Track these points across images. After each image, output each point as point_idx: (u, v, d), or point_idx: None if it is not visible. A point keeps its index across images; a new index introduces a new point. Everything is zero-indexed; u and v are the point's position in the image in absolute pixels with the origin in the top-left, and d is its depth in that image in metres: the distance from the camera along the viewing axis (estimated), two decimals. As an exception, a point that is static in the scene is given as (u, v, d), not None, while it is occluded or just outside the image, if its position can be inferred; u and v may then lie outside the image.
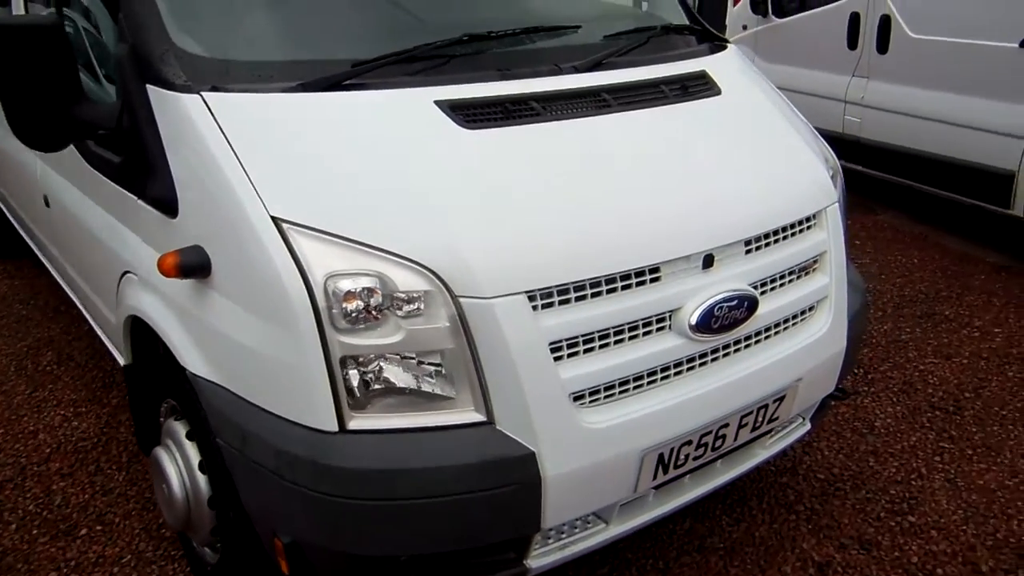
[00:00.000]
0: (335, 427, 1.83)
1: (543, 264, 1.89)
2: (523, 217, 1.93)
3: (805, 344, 2.36)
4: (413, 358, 1.87)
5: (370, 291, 1.82)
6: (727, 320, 2.11)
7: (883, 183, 6.02)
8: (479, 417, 1.89)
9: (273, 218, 1.84)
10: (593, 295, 1.95)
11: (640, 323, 2.03)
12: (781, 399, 2.35)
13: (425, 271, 1.83)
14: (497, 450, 1.87)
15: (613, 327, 1.99)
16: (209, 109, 1.98)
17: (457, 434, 1.87)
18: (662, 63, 2.55)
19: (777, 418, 2.39)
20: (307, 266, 1.81)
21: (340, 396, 1.83)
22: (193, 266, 1.98)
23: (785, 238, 2.32)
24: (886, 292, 4.80)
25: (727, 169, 2.28)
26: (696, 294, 2.09)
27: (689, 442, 2.15)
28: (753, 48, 6.82)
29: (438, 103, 2.06)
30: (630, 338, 2.02)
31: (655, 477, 2.13)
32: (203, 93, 2.00)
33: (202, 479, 2.25)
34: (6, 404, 3.66)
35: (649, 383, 2.08)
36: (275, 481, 1.90)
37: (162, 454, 2.36)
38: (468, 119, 2.05)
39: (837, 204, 2.49)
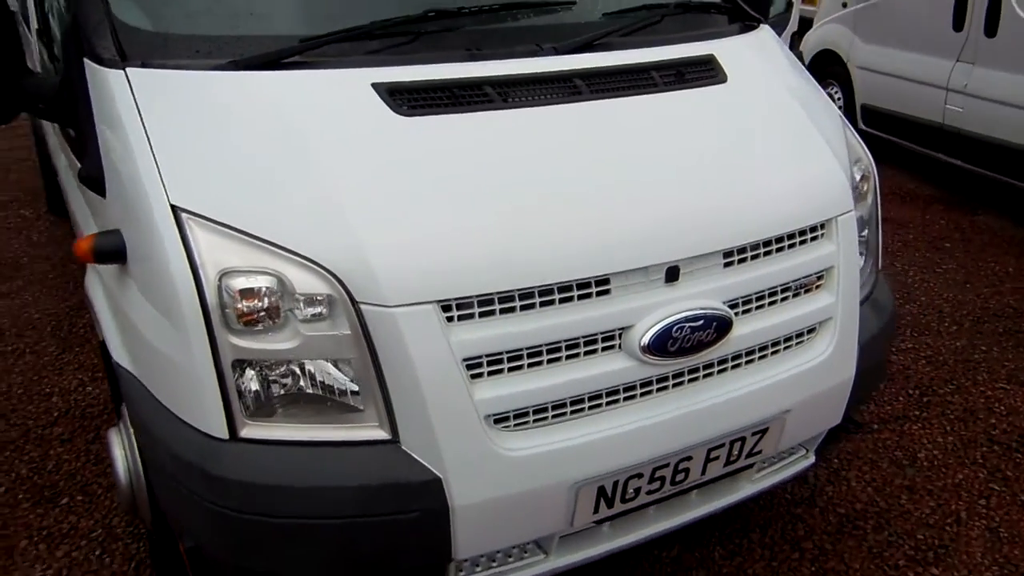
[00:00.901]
0: (225, 434, 1.70)
1: (462, 271, 1.69)
2: (445, 218, 1.72)
3: (797, 371, 2.07)
4: (313, 366, 1.71)
5: (267, 291, 1.66)
6: (689, 343, 1.85)
7: (985, 180, 5.44)
8: (383, 435, 1.71)
9: (173, 206, 1.71)
10: (523, 308, 1.74)
11: (581, 341, 1.80)
12: (763, 432, 2.07)
13: (325, 273, 1.66)
14: (398, 473, 1.70)
15: (546, 344, 1.77)
16: (130, 86, 1.86)
17: (356, 452, 1.71)
18: (663, 45, 2.26)
19: (759, 452, 2.11)
20: (200, 261, 1.67)
21: (232, 401, 1.69)
22: (106, 251, 1.87)
23: (779, 250, 2.03)
24: (967, 303, 4.32)
25: (712, 169, 2.00)
26: (653, 311, 1.83)
27: (639, 475, 1.92)
28: (852, 28, 6.27)
29: (376, 86, 1.87)
30: (568, 357, 1.80)
31: (596, 511, 1.91)
32: (128, 69, 1.88)
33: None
34: (33, 364, 3.74)
35: (592, 408, 1.85)
36: (174, 484, 1.79)
37: (112, 436, 2.29)
38: (405, 105, 1.85)
39: (852, 213, 2.16)
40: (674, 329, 1.83)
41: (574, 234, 1.78)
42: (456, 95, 1.90)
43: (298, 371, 1.71)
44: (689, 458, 1.97)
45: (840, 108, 6.50)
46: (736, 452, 2.05)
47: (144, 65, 1.88)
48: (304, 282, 1.66)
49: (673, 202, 1.90)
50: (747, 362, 2.03)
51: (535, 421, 1.80)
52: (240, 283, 1.66)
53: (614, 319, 1.81)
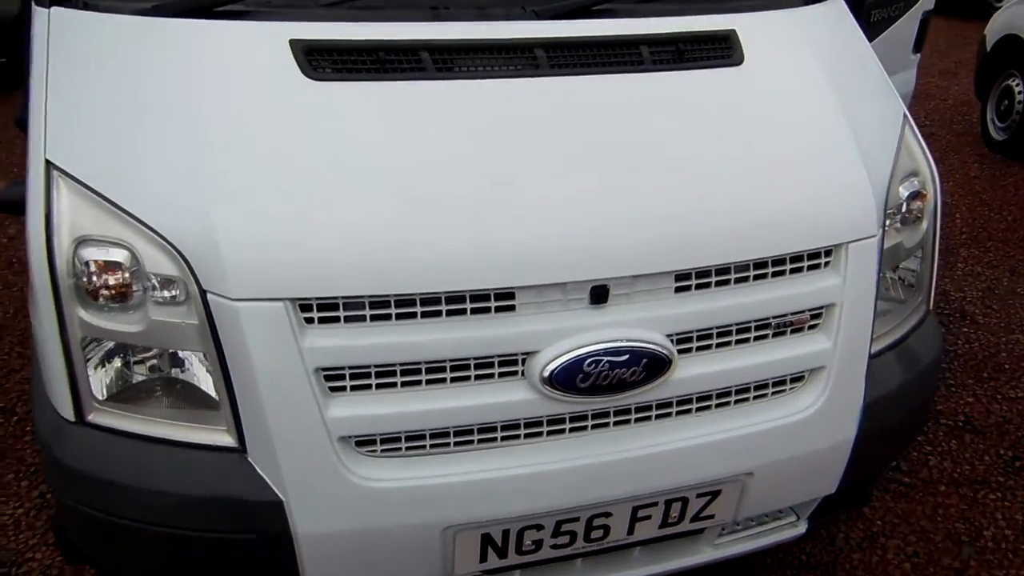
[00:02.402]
0: (71, 416, 1.56)
1: (327, 267, 1.45)
2: (319, 203, 1.48)
3: (766, 428, 1.70)
4: (175, 356, 1.53)
5: (119, 266, 1.50)
6: (607, 380, 1.53)
7: None
8: (231, 442, 1.52)
9: (47, 161, 1.57)
10: (400, 317, 1.48)
11: (472, 363, 1.52)
12: (713, 494, 1.71)
13: (175, 253, 1.47)
14: (237, 488, 1.50)
15: (427, 363, 1.50)
16: (48, 26, 1.73)
17: (200, 457, 1.52)
18: (674, 16, 1.89)
19: (710, 516, 1.75)
20: (57, 224, 1.52)
21: (79, 381, 1.55)
22: (7, 201, 1.77)
23: (757, 278, 1.65)
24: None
25: (681, 171, 1.64)
26: (566, 338, 1.52)
27: (538, 527, 1.63)
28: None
29: (293, 43, 1.64)
30: (455, 380, 1.53)
31: (484, 559, 1.64)
32: (53, 8, 1.75)
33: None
34: None
35: (483, 443, 1.57)
36: (43, 459, 1.69)
37: None
38: (318, 68, 1.62)
39: (872, 241, 1.73)
40: (587, 362, 1.51)
41: (475, 237, 1.49)
42: (382, 60, 1.64)
43: (155, 359, 1.55)
44: (608, 514, 1.66)
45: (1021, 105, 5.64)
46: (676, 514, 1.71)
47: (67, 4, 1.75)
48: (154, 260, 1.48)
49: (612, 207, 1.56)
50: (698, 410, 1.67)
51: (408, 450, 1.54)
52: (92, 253, 1.50)
53: (516, 342, 1.52)
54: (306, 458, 1.48)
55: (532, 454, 1.58)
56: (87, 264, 1.50)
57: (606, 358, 1.52)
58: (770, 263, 1.65)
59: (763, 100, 1.80)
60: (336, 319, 1.46)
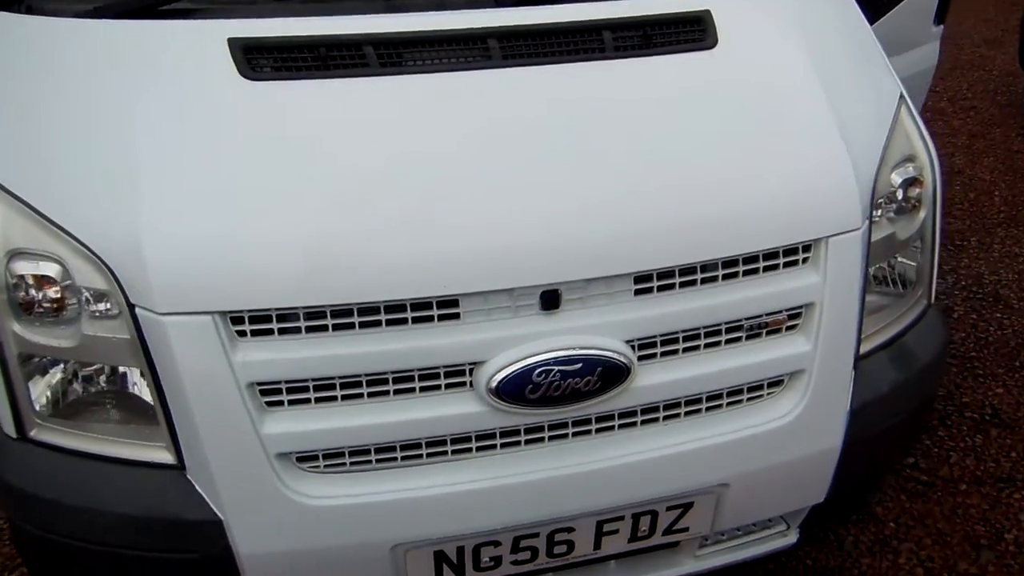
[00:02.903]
0: (13, 432, 1.53)
1: (258, 278, 1.38)
2: (248, 211, 1.41)
3: (742, 436, 1.59)
4: (113, 372, 1.49)
5: (50, 280, 1.45)
6: (559, 391, 1.44)
7: None
8: (169, 459, 1.47)
9: (-18, 178, 1.53)
10: (338, 328, 1.41)
11: (416, 375, 1.45)
12: (685, 507, 1.62)
13: (103, 266, 1.41)
14: (175, 507, 1.45)
15: (368, 374, 1.43)
16: None
17: (140, 475, 1.48)
18: None
19: (684, 529, 1.66)
20: None
21: (18, 397, 1.51)
22: None
23: (727, 277, 1.54)
24: None
25: (637, 164, 1.53)
26: (514, 346, 1.44)
27: (494, 543, 1.55)
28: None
29: (232, 41, 1.57)
30: (398, 393, 1.45)
31: (440, 577, 1.57)
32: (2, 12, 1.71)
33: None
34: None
35: (432, 457, 1.50)
36: None
37: None
38: (256, 67, 1.54)
39: (856, 234, 1.61)
40: (536, 372, 1.42)
41: (413, 243, 1.41)
42: (323, 57, 1.56)
43: (93, 374, 1.50)
44: (570, 529, 1.57)
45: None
46: (646, 528, 1.62)
47: (7, 8, 1.71)
48: (84, 273, 1.43)
49: (562, 207, 1.46)
50: (666, 418, 1.57)
51: (353, 465, 1.48)
52: (23, 267, 1.46)
53: (461, 352, 1.44)
54: (243, 476, 1.42)
55: (485, 468, 1.50)
56: (21, 278, 1.46)
57: (557, 368, 1.43)
58: (741, 261, 1.54)
59: (736, 86, 1.68)
60: (269, 332, 1.40)
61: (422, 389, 1.46)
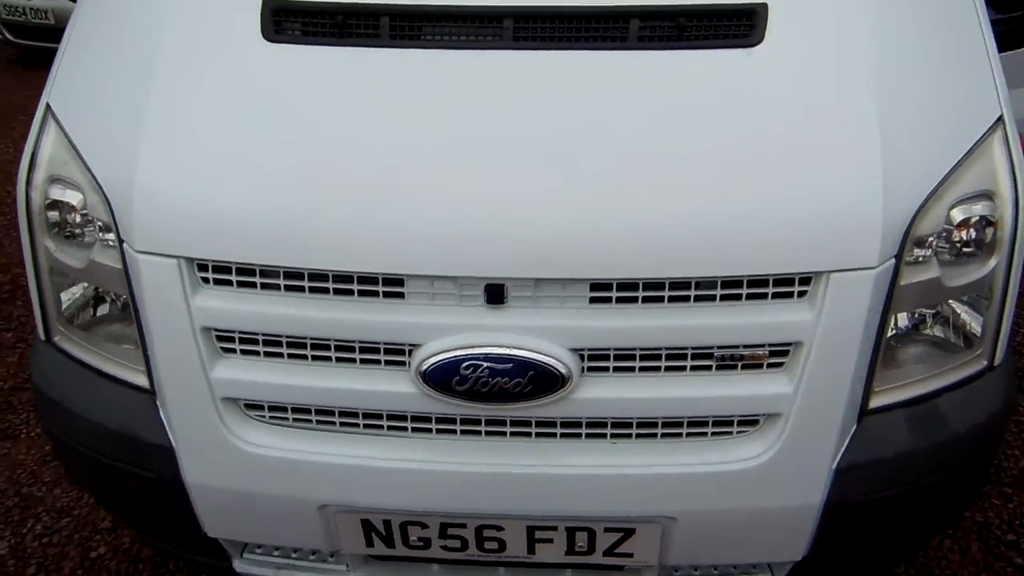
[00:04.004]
0: (43, 335, 1.73)
1: (221, 230, 1.45)
2: (228, 167, 1.48)
3: (697, 471, 1.47)
4: (107, 291, 1.65)
5: (71, 206, 1.62)
6: (487, 387, 1.41)
7: None
8: (144, 383, 1.60)
9: (47, 104, 1.72)
10: (289, 288, 1.46)
11: (357, 347, 1.47)
12: (626, 532, 1.53)
13: (106, 200, 1.55)
14: (139, 428, 1.58)
15: (312, 338, 1.47)
16: None
17: (121, 392, 1.62)
18: None
19: (629, 554, 1.57)
20: (39, 162, 1.67)
21: (48, 305, 1.71)
22: None
23: (701, 299, 1.42)
24: None
25: (626, 164, 1.42)
26: (451, 335, 1.42)
27: (422, 524, 1.55)
28: None
29: (266, 2, 1.64)
30: (340, 361, 1.49)
31: (370, 544, 1.60)
32: None
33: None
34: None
35: (368, 428, 1.52)
36: None
37: None
38: (281, 30, 1.60)
39: (869, 273, 1.41)
40: (464, 364, 1.40)
41: (364, 217, 1.42)
42: (340, 24, 1.59)
43: (105, 295, 1.67)
44: (499, 528, 1.54)
45: None
46: (583, 544, 1.55)
47: None
48: (94, 205, 1.58)
49: (520, 201, 1.41)
50: (614, 436, 1.49)
51: (296, 422, 1.54)
52: (57, 192, 1.63)
53: (402, 331, 1.44)
54: (191, 412, 1.52)
55: (416, 450, 1.50)
56: (56, 201, 1.63)
57: (486, 364, 1.39)
58: (719, 284, 1.41)
59: (762, 91, 1.51)
60: (229, 283, 1.48)
61: (363, 361, 1.48)
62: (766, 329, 1.42)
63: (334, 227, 1.42)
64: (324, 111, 1.51)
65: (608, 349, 1.43)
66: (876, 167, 1.43)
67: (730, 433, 1.49)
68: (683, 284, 1.41)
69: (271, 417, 1.54)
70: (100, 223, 1.58)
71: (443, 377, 1.41)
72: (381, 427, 1.52)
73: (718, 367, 1.45)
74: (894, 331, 1.53)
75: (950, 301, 1.57)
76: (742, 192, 1.42)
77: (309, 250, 1.43)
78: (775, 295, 1.42)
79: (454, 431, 1.50)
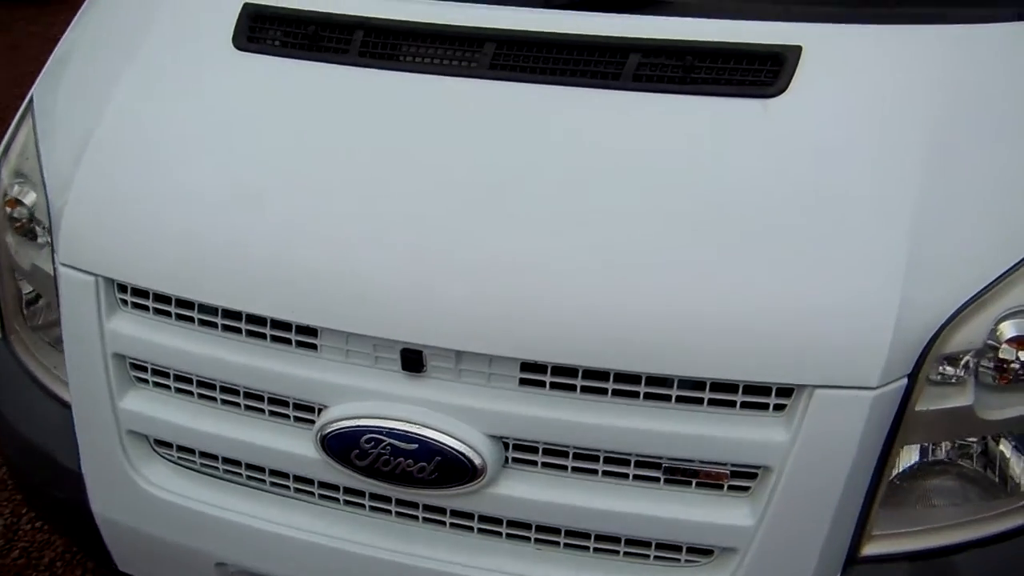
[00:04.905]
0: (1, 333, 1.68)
1: (140, 255, 1.34)
2: (156, 185, 1.37)
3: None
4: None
5: (21, 204, 1.56)
6: (388, 466, 1.22)
7: None
8: (65, 396, 1.51)
9: (30, 96, 1.67)
10: (203, 323, 1.32)
11: (266, 396, 1.32)
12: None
13: (47, 204, 1.47)
14: (54, 447, 1.49)
15: (220, 381, 1.34)
16: None
17: (49, 407, 1.53)
18: (733, 18, 1.37)
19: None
20: (10, 156, 1.62)
21: (6, 302, 1.66)
22: None
23: (651, 397, 1.18)
24: None
25: (571, 233, 1.21)
26: (357, 400, 1.24)
27: (320, 599, 1.38)
28: None
29: (247, 7, 1.52)
30: (248, 409, 1.34)
31: (271, 614, 1.45)
32: None
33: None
34: None
35: (275, 487, 1.37)
36: None
37: None
38: (254, 38, 1.48)
39: (867, 394, 1.13)
40: (364, 437, 1.22)
41: (281, 258, 1.27)
42: (311, 37, 1.45)
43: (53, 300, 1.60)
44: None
45: None
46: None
47: None
48: (41, 206, 1.51)
49: (448, 262, 1.21)
50: (539, 541, 1.27)
51: (203, 466, 1.40)
52: (17, 191, 1.58)
53: (309, 388, 1.28)
54: (96, 440, 1.42)
55: (319, 520, 1.34)
56: (12, 200, 1.57)
57: (388, 440, 1.21)
58: (675, 383, 1.17)
59: (770, 156, 1.25)
60: (145, 308, 1.36)
61: (272, 414, 1.33)
62: (727, 445, 1.17)
63: (251, 265, 1.28)
64: (271, 135, 1.38)
65: (536, 442, 1.22)
66: (890, 268, 1.15)
67: (677, 560, 1.24)
68: (632, 378, 1.17)
69: (179, 457, 1.41)
70: (44, 226, 1.50)
71: (343, 447, 1.23)
72: (288, 487, 1.36)
73: (667, 481, 1.21)
74: (906, 465, 1.24)
75: (989, 438, 1.26)
76: (714, 277, 1.17)
77: (224, 286, 1.29)
78: (744, 404, 1.16)
79: (363, 504, 1.32)
